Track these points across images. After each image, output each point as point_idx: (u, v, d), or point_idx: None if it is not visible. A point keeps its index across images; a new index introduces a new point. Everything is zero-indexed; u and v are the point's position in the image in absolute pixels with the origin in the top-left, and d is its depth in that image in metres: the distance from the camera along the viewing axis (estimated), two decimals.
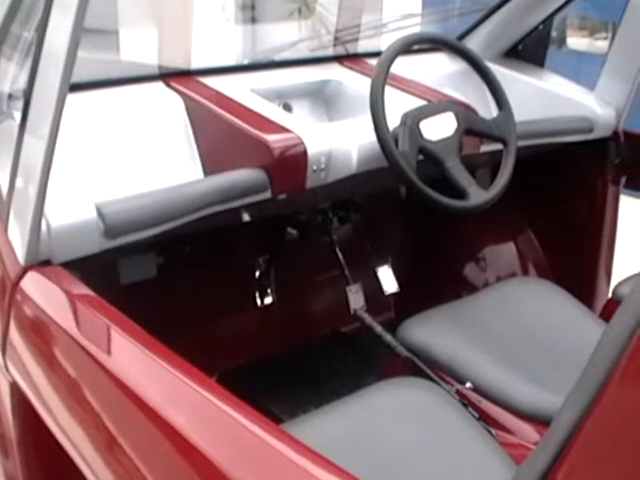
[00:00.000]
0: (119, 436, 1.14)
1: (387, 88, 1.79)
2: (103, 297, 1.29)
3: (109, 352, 1.23)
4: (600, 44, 2.33)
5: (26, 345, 1.39)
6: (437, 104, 1.91)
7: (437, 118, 1.83)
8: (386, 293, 2.57)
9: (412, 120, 1.79)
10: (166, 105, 1.84)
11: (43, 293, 1.34)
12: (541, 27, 2.35)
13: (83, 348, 1.21)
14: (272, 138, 1.69)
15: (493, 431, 1.59)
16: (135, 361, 1.18)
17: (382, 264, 2.59)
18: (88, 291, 1.31)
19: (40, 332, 1.36)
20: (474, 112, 1.98)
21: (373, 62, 1.96)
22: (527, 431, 1.61)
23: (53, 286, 1.33)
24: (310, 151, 1.70)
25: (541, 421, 1.56)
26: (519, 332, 1.83)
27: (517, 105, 1.96)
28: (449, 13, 2.68)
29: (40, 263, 1.36)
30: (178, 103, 1.85)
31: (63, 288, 1.32)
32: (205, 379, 1.09)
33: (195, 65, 2.46)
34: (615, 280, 2.16)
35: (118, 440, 1.14)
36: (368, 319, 2.18)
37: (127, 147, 1.73)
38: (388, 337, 2.00)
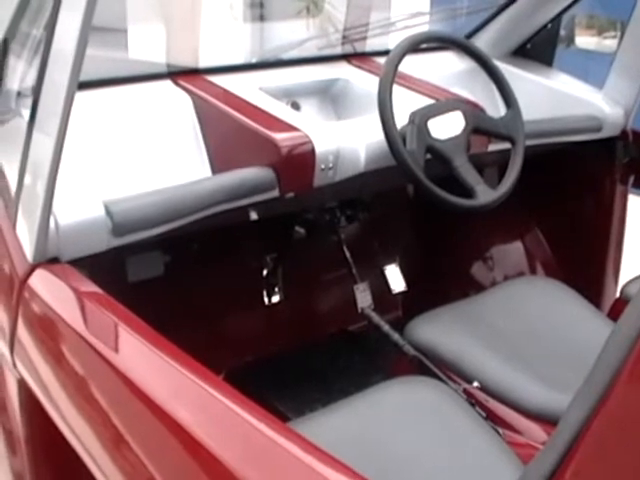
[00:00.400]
0: (126, 433, 1.14)
1: (395, 87, 1.79)
2: (111, 295, 1.30)
3: (117, 350, 1.23)
4: (608, 43, 2.32)
5: (34, 342, 1.40)
6: (445, 103, 1.91)
7: (445, 117, 1.83)
8: (394, 292, 2.57)
9: (420, 119, 1.79)
10: (174, 103, 1.85)
11: (51, 290, 1.35)
12: (549, 26, 2.35)
13: (91, 345, 1.22)
14: (280, 137, 1.69)
15: (500, 430, 1.59)
16: (143, 359, 1.18)
17: (390, 263, 2.59)
18: (96, 289, 1.32)
19: (48, 329, 1.37)
20: (482, 111, 1.98)
21: (381, 61, 1.95)
22: (535, 430, 1.61)
23: (61, 284, 1.33)
24: (318, 150, 1.70)
25: (549, 420, 1.56)
26: (527, 331, 1.82)
27: (525, 104, 1.96)
28: (457, 12, 2.67)
29: (48, 261, 1.36)
30: (186, 101, 1.85)
31: (71, 286, 1.32)
32: (212, 377, 1.09)
33: (203, 63, 2.47)
34: (623, 279, 2.15)
35: (125, 437, 1.14)
36: (375, 318, 2.18)
37: (135, 145, 1.73)
38: (395, 336, 2.00)
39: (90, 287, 1.32)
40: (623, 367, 0.73)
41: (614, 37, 2.30)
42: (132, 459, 1.13)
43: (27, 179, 1.40)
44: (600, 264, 2.40)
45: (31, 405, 1.42)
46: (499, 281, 2.59)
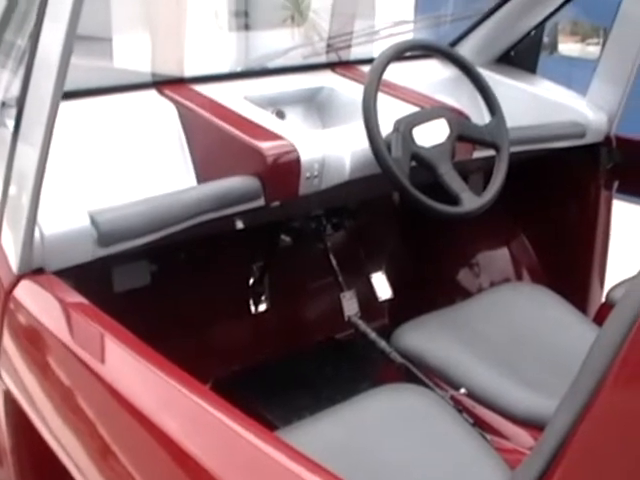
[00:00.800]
0: (113, 444, 1.14)
1: (380, 95, 1.80)
2: (97, 305, 1.29)
3: (103, 360, 1.22)
4: (592, 49, 2.34)
5: (19, 353, 1.39)
6: (430, 110, 1.92)
7: (430, 124, 1.83)
8: (380, 299, 2.57)
9: (405, 126, 1.79)
10: (159, 113, 1.84)
11: (36, 301, 1.34)
12: (533, 33, 2.36)
13: (77, 356, 1.21)
14: (265, 145, 1.69)
15: (488, 436, 1.59)
16: (129, 369, 1.18)
17: (376, 270, 2.59)
18: (82, 299, 1.31)
19: (33, 340, 1.36)
20: (467, 118, 1.99)
21: (366, 69, 1.96)
22: (522, 436, 1.61)
23: (46, 294, 1.33)
24: (303, 158, 1.70)
25: (535, 426, 1.56)
26: (513, 337, 1.83)
27: (509, 111, 1.97)
28: (441, 19, 2.69)
29: (33, 271, 1.35)
30: (171, 111, 1.85)
31: (56, 296, 1.32)
32: (199, 386, 1.09)
33: (188, 73, 2.47)
34: (608, 285, 2.16)
35: (112, 448, 1.14)
36: (362, 325, 2.18)
37: (120, 155, 1.73)
38: (382, 343, 2.00)
39: (76, 297, 1.32)
40: (608, 372, 0.73)
41: (597, 44, 2.31)
42: (119, 470, 1.13)
43: (12, 189, 1.40)
44: (585, 269, 2.41)
45: (17, 416, 1.41)
46: (485, 287, 2.59)
